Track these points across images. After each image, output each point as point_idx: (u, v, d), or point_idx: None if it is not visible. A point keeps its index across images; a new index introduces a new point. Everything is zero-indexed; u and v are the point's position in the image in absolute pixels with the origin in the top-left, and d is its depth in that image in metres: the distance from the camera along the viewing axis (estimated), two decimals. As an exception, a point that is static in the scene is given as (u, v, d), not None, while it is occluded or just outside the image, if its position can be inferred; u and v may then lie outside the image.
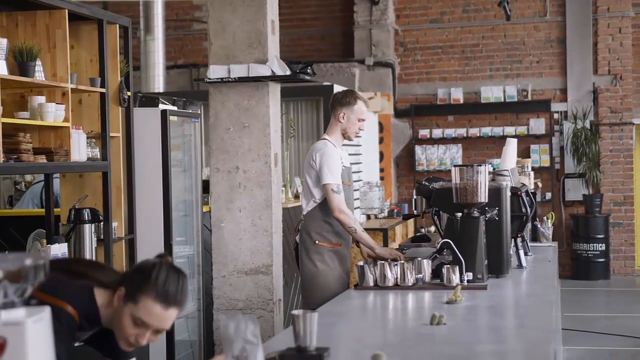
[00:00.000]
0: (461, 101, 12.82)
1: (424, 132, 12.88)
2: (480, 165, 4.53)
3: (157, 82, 11.04)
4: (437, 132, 12.83)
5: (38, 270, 1.87)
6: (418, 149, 12.87)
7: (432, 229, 7.60)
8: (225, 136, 5.67)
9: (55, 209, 5.78)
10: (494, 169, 5.86)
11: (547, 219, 6.83)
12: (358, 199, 9.79)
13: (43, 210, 5.91)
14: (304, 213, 5.20)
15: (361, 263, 4.47)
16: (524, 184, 5.83)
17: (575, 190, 12.55)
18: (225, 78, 5.58)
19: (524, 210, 5.21)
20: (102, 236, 5.69)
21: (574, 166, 12.45)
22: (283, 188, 7.99)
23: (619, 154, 12.57)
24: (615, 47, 12.54)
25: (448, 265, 4.37)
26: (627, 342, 8.24)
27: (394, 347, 3.18)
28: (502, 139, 7.85)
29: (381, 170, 12.12)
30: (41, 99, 5.14)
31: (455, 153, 12.79)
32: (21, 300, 1.83)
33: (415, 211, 5.29)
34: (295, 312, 2.77)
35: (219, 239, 5.69)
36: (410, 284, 4.37)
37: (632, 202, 12.60)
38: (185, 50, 13.61)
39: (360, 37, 12.95)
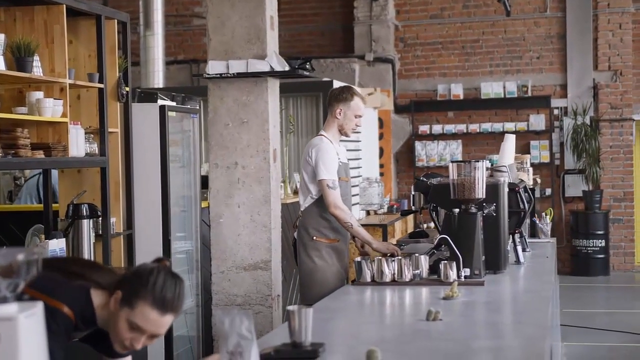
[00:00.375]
0: (461, 97, 12.81)
1: (423, 128, 12.87)
2: (478, 161, 4.53)
3: (157, 77, 11.02)
4: (437, 128, 12.83)
5: (30, 265, 1.86)
6: (418, 145, 12.87)
7: (432, 225, 7.60)
8: (224, 132, 5.67)
9: (53, 205, 5.78)
10: (492, 164, 5.85)
11: (546, 215, 6.83)
12: (357, 194, 9.78)
13: (42, 205, 5.92)
14: (302, 209, 5.21)
15: (358, 259, 4.47)
16: (522, 180, 5.83)
17: (575, 187, 12.54)
18: (224, 74, 5.57)
19: (521, 206, 5.21)
20: (100, 231, 5.69)
21: (573, 162, 12.44)
22: (282, 184, 7.99)
23: (619, 150, 12.57)
24: (616, 43, 12.53)
25: (445, 261, 4.37)
26: (626, 338, 8.24)
27: (390, 342, 3.18)
28: (502, 134, 7.81)
29: (381, 166, 12.11)
30: (39, 95, 5.14)
31: (455, 149, 12.79)
32: (13, 295, 1.83)
33: (413, 207, 5.29)
34: (290, 307, 2.77)
35: (217, 235, 5.69)
36: (407, 280, 4.37)
37: (632, 198, 12.59)
38: (185, 46, 13.60)
39: (360, 32, 12.94)
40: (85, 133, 5.56)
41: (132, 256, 6.03)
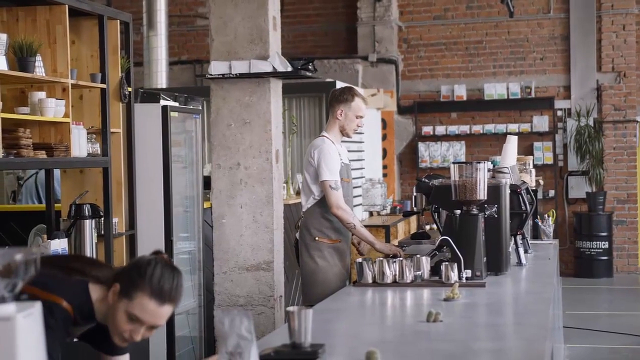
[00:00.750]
0: (464, 98, 12.80)
1: (427, 129, 12.87)
2: (479, 163, 4.53)
3: (160, 78, 11.02)
4: (440, 129, 12.82)
5: (28, 265, 1.86)
6: (421, 146, 12.86)
7: (434, 226, 7.59)
8: (226, 132, 5.67)
9: (55, 205, 5.79)
10: (494, 166, 5.85)
11: (549, 216, 6.82)
12: (360, 195, 9.78)
13: (44, 205, 5.92)
14: (304, 210, 5.22)
15: (360, 260, 4.47)
16: (524, 182, 5.82)
17: (578, 188, 12.53)
18: (227, 74, 5.57)
19: (523, 207, 5.21)
20: (102, 232, 5.69)
21: (577, 164, 12.42)
22: (284, 184, 7.99)
23: (623, 152, 12.55)
24: (619, 45, 12.51)
25: (447, 263, 4.37)
26: (629, 341, 8.22)
27: (390, 343, 3.18)
28: (506, 136, 7.76)
29: (384, 167, 12.11)
30: (41, 95, 5.14)
31: (458, 150, 12.78)
32: (11, 295, 1.83)
33: (415, 208, 5.28)
34: (290, 308, 2.78)
35: (220, 235, 5.69)
36: (408, 281, 4.37)
37: (636, 200, 12.57)
38: (188, 46, 13.61)
39: (364, 33, 12.94)
40: (88, 133, 5.57)
41: (134, 256, 6.03)
